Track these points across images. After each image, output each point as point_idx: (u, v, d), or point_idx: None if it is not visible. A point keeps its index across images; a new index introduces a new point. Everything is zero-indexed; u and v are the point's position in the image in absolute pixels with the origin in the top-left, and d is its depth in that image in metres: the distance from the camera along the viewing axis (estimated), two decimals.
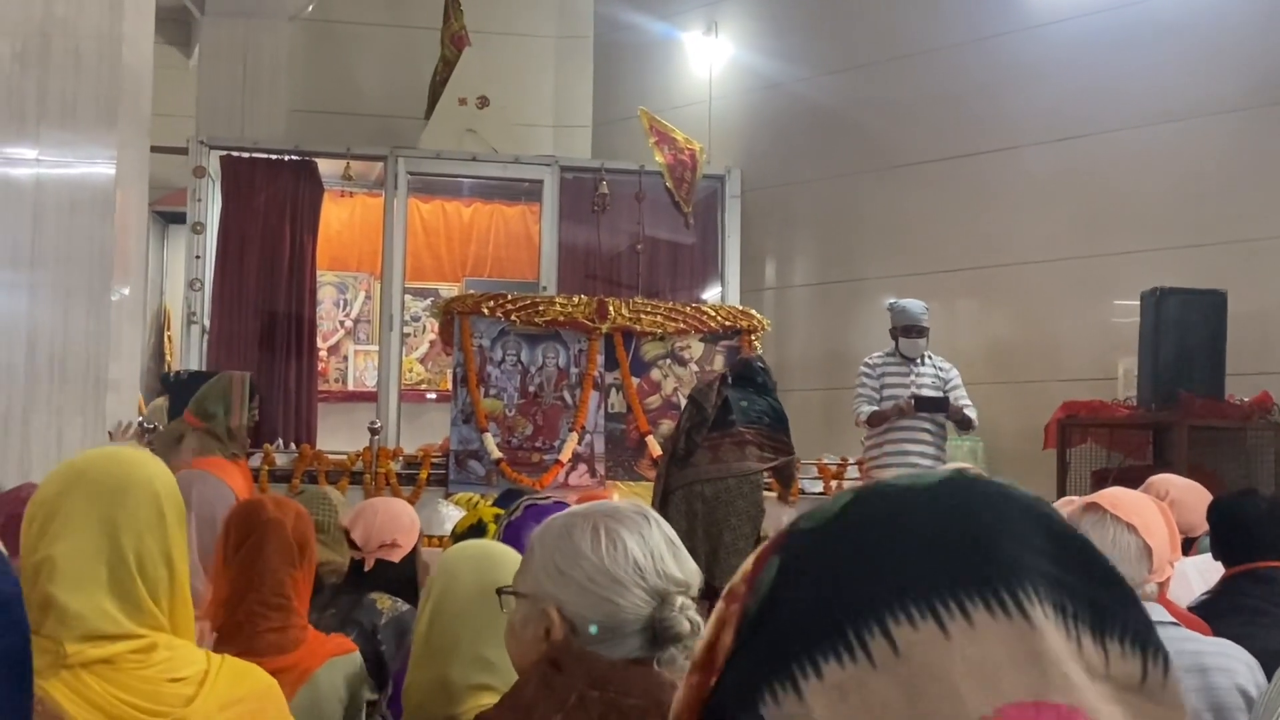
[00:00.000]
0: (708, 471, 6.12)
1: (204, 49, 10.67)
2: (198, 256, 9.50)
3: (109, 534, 1.96)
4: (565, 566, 1.76)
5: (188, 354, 9.48)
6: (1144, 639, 0.66)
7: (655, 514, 1.83)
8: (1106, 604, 0.66)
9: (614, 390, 8.32)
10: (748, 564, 0.72)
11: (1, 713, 0.94)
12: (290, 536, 2.95)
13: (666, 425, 8.30)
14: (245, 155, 9.75)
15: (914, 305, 7.56)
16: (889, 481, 0.70)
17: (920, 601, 0.64)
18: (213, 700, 2.02)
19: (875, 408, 7.44)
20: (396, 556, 3.88)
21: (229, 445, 6.23)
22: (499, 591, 1.97)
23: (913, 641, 0.63)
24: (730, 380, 6.46)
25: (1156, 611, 2.79)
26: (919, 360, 7.54)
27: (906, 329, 7.51)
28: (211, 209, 9.64)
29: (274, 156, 9.84)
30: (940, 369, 7.57)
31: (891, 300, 7.83)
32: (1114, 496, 2.93)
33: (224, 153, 9.69)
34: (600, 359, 8.26)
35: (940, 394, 7.38)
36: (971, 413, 7.42)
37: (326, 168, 10.05)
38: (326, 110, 10.79)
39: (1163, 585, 2.93)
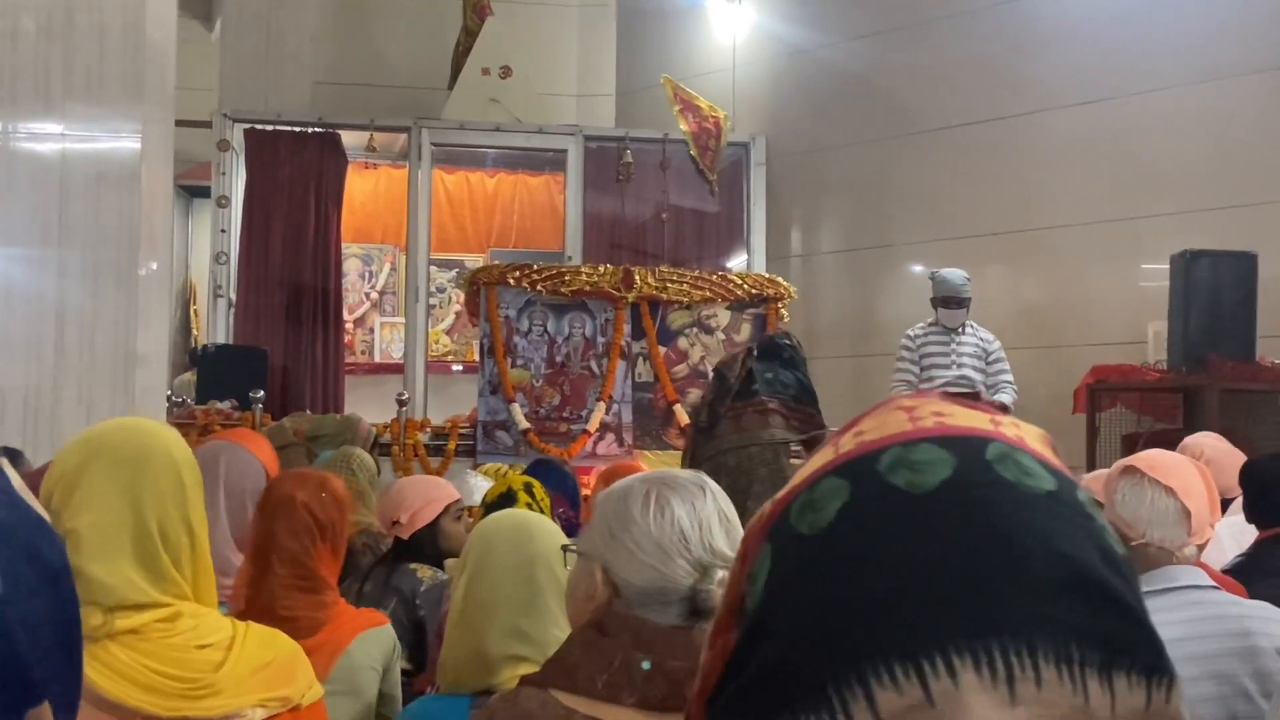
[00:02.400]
0: (731, 441, 6.10)
1: (226, 21, 10.66)
2: (223, 230, 9.51)
3: (132, 504, 1.96)
4: (616, 530, 1.77)
5: (214, 328, 9.50)
6: (1150, 667, 0.64)
7: (714, 485, 1.83)
8: (1116, 636, 0.63)
9: (641, 359, 8.31)
10: (748, 534, 0.70)
11: (59, 689, 0.94)
12: (304, 513, 2.89)
13: (695, 394, 8.29)
14: (269, 128, 9.75)
15: (954, 275, 7.51)
16: (888, 478, 0.66)
17: (907, 660, 0.61)
18: (243, 665, 2.02)
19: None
20: (405, 534, 3.90)
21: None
22: (564, 548, 2.01)
23: (895, 710, 0.61)
24: (756, 354, 6.45)
25: (1196, 575, 2.78)
26: (960, 330, 7.50)
27: (946, 300, 7.47)
28: (236, 182, 9.64)
29: (298, 129, 9.83)
30: (983, 340, 7.53)
31: (932, 271, 7.79)
32: (1151, 459, 2.89)
33: (248, 126, 9.70)
34: (627, 328, 8.25)
35: (971, 389, 7.31)
36: (1006, 395, 7.36)
37: (350, 140, 10.04)
38: (350, 82, 10.76)
39: (1201, 548, 2.90)
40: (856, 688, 0.61)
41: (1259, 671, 2.66)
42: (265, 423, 7.49)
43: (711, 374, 6.73)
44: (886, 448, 0.67)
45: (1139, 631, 0.65)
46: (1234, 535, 4.03)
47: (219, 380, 8.27)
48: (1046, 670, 0.61)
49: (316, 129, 9.86)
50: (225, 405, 7.85)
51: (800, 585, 0.65)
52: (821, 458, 0.70)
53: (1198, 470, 2.95)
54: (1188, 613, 2.69)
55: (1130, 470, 2.86)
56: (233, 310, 9.54)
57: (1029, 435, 0.71)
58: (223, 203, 9.48)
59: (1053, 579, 0.63)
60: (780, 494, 0.70)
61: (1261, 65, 7.63)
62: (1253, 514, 3.83)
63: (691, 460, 6.51)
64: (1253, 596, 3.02)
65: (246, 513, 3.05)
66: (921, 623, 0.61)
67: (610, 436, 8.20)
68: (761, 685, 0.65)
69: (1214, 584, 2.83)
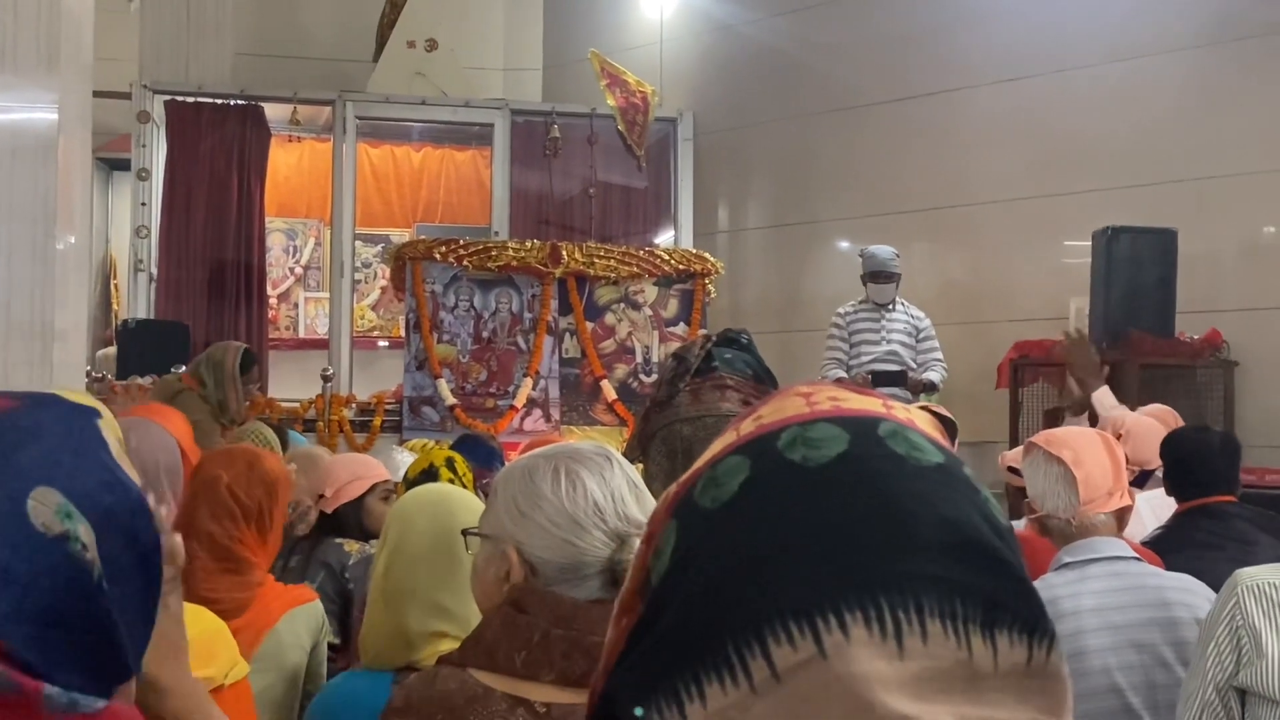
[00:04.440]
0: (686, 412, 6.12)
1: None
2: (143, 203, 9.35)
3: None
4: (526, 508, 1.75)
5: (135, 302, 9.36)
6: (1031, 625, 0.67)
7: (618, 455, 1.82)
8: (999, 595, 0.67)
9: (568, 335, 8.29)
10: (654, 514, 0.74)
11: (140, 616, 0.98)
12: (227, 495, 2.85)
13: (622, 370, 8.28)
14: (190, 100, 9.60)
15: (883, 251, 7.57)
16: (787, 454, 0.69)
17: (801, 617, 0.64)
18: None
19: (841, 372, 7.44)
20: (329, 508, 3.88)
21: (220, 416, 6.14)
22: (464, 533, 1.97)
23: (791, 664, 0.64)
24: (714, 340, 6.47)
25: (1119, 546, 2.88)
26: (890, 307, 7.54)
27: (875, 274, 7.52)
28: (157, 155, 9.49)
29: (219, 101, 9.70)
30: (914, 317, 7.59)
31: (862, 248, 7.84)
32: (1050, 434, 3.03)
33: (168, 97, 9.54)
34: (554, 304, 8.23)
35: (899, 368, 7.36)
36: (935, 373, 7.42)
37: (273, 112, 9.91)
38: (273, 54, 10.61)
39: (1120, 515, 2.97)
40: (754, 645, 0.65)
41: (1177, 640, 2.75)
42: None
43: (669, 358, 6.77)
44: (785, 428, 0.71)
45: (1021, 592, 0.68)
46: (1154, 508, 4.09)
47: (140, 355, 8.14)
48: (932, 625, 0.65)
49: (239, 101, 9.73)
50: (146, 381, 7.72)
51: (702, 554, 0.69)
52: (723, 441, 0.74)
53: (1102, 440, 3.03)
54: (1109, 583, 2.79)
55: (1031, 446, 3.00)
56: (154, 284, 9.39)
57: (919, 419, 0.75)
58: (143, 175, 9.33)
59: (939, 541, 0.67)
60: (684, 476, 0.74)
61: (1181, 43, 7.73)
62: (1172, 486, 3.89)
63: (644, 430, 6.54)
64: (1170, 568, 3.09)
65: (163, 489, 2.99)
66: (815, 583, 0.65)
67: (537, 412, 8.18)
68: (663, 648, 0.68)
69: (1135, 555, 2.91)
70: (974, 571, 0.67)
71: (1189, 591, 2.86)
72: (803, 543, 0.66)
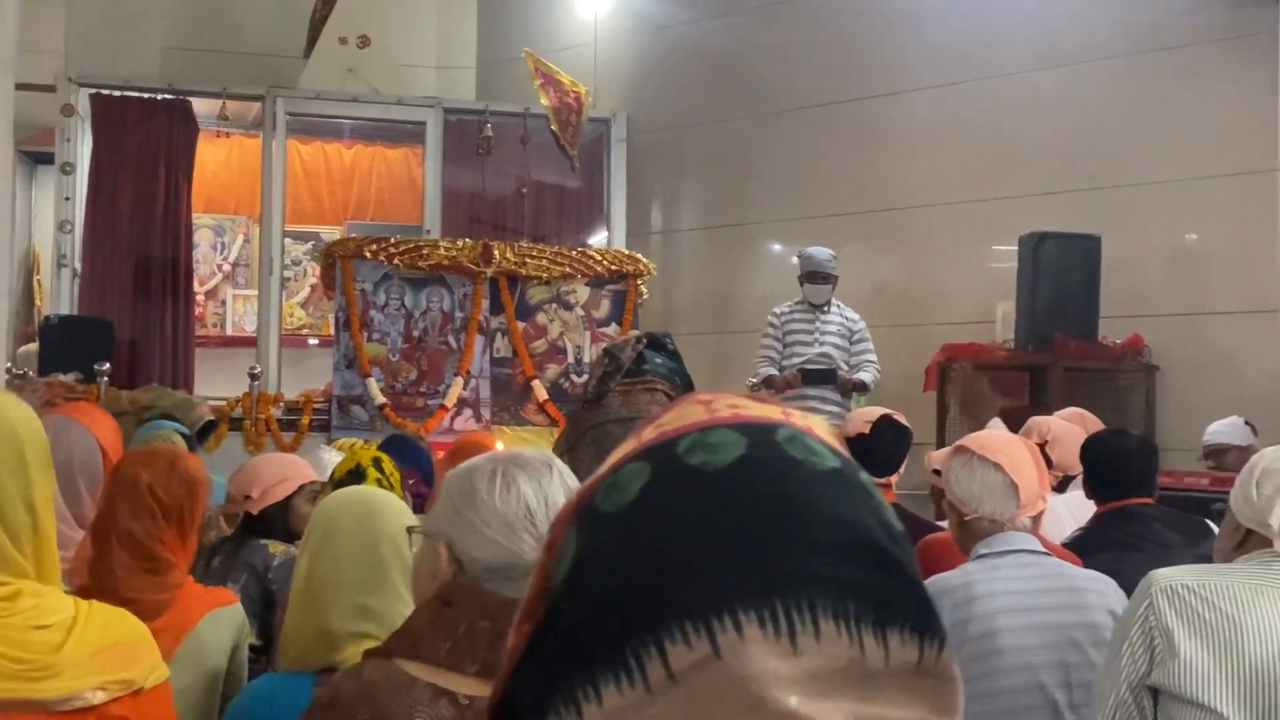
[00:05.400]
0: (617, 413, 6.15)
1: None
2: (67, 198, 9.21)
3: None
4: (462, 507, 1.78)
5: (58, 298, 9.22)
6: (922, 626, 0.69)
7: (562, 465, 1.85)
8: (891, 596, 0.68)
9: (499, 335, 8.26)
10: (557, 521, 0.74)
11: None
12: (147, 494, 2.82)
13: (554, 370, 8.27)
14: (116, 94, 9.47)
15: (820, 252, 7.62)
16: (686, 459, 0.70)
17: (697, 619, 0.65)
18: (84, 646, 1.97)
19: (773, 370, 7.47)
20: (255, 509, 3.84)
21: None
22: (409, 530, 2.02)
23: (686, 665, 0.65)
24: (645, 341, 6.50)
25: (1031, 541, 2.97)
26: (826, 308, 7.58)
27: (811, 275, 7.56)
28: (82, 149, 9.35)
29: (147, 95, 9.57)
30: (849, 319, 7.63)
31: (799, 249, 7.88)
32: (981, 439, 3.09)
33: (94, 91, 9.40)
34: (485, 303, 8.20)
35: (829, 366, 7.40)
36: (868, 374, 7.45)
37: (202, 107, 9.79)
38: (202, 48, 10.48)
39: (1036, 519, 3.06)
40: (651, 646, 0.65)
41: (1089, 624, 2.87)
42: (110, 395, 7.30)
43: (601, 353, 6.78)
44: (685, 434, 0.72)
45: (912, 593, 0.70)
46: (1073, 511, 4.15)
47: (63, 352, 8.03)
48: (825, 625, 0.66)
49: (166, 95, 9.61)
50: (69, 378, 7.61)
51: (601, 558, 0.70)
52: (625, 448, 0.75)
53: (1027, 448, 3.11)
54: (1023, 572, 2.90)
55: (961, 450, 3.05)
56: (78, 280, 9.26)
57: (818, 426, 0.75)
58: (67, 170, 9.19)
59: (833, 543, 0.68)
60: (587, 483, 0.74)
61: (1108, 52, 7.85)
62: (1091, 489, 3.95)
63: (574, 427, 6.55)
64: (1090, 568, 3.16)
65: (77, 488, 2.96)
66: (711, 585, 0.66)
67: (468, 412, 8.15)
68: (561, 651, 0.69)
69: (1045, 550, 3.00)
70: (867, 572, 0.68)
71: (1098, 581, 3.00)
72: (700, 545, 0.67)
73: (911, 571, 0.71)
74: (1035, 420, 4.71)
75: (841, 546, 0.68)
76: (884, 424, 4.24)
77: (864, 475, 0.73)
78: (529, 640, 0.72)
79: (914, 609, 0.69)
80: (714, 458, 0.70)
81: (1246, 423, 6.07)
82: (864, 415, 4.34)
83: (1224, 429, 6.05)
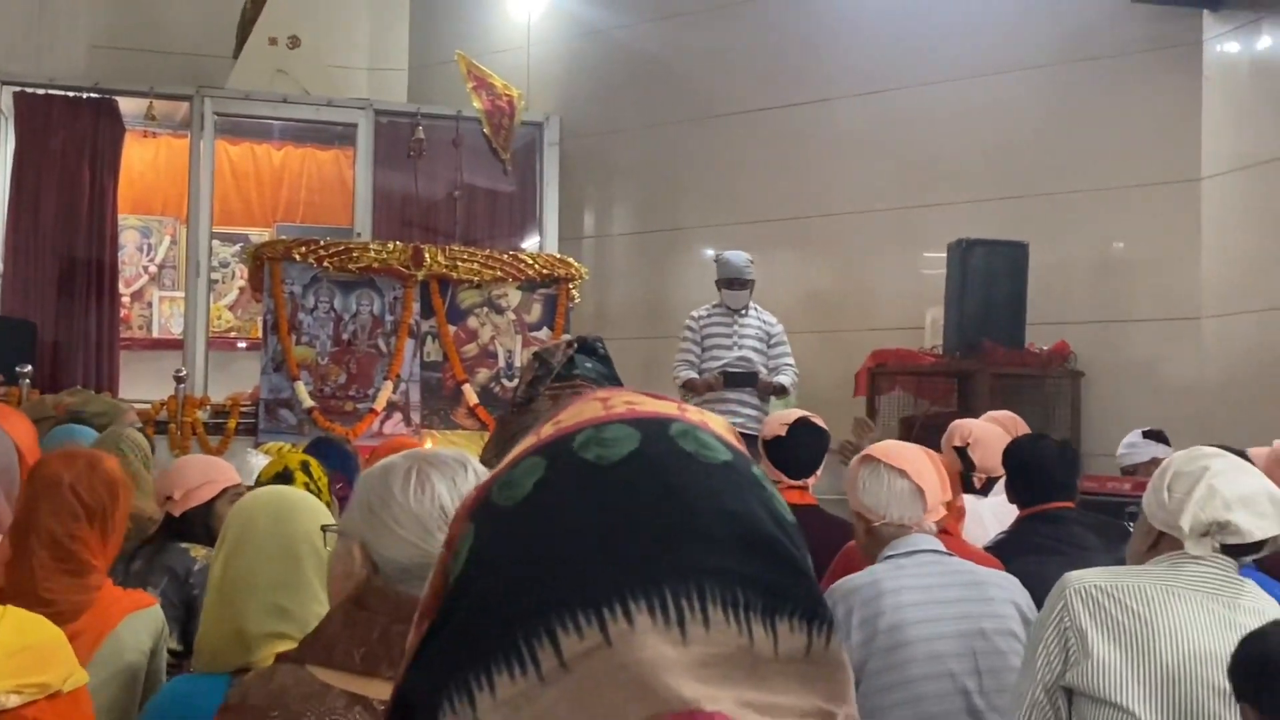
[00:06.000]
0: (547, 416, 6.14)
1: None
2: None
3: None
4: (376, 507, 1.76)
5: None
6: (810, 614, 0.70)
7: (477, 463, 1.83)
8: (780, 585, 0.70)
9: (430, 338, 8.22)
10: (455, 518, 0.75)
11: None
12: (69, 494, 2.80)
13: (484, 374, 8.24)
14: (41, 92, 9.33)
15: (737, 257, 7.61)
16: (581, 454, 0.72)
17: (589, 608, 0.66)
18: None
19: (693, 373, 7.48)
20: (176, 511, 3.79)
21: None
22: (324, 528, 2.00)
23: (578, 653, 0.66)
24: (576, 345, 6.48)
25: (934, 543, 3.08)
26: (744, 312, 7.59)
27: (730, 281, 7.56)
28: (4, 148, 9.22)
29: (72, 94, 9.43)
30: (766, 322, 7.64)
31: (716, 253, 7.89)
32: (886, 448, 3.19)
33: (18, 89, 9.26)
34: (416, 306, 8.15)
35: (750, 369, 7.41)
36: (786, 377, 7.47)
37: (128, 106, 9.66)
38: (129, 47, 10.37)
39: (939, 522, 3.19)
40: (543, 636, 0.66)
41: (993, 614, 2.98)
42: (32, 398, 7.18)
43: (531, 358, 6.76)
44: (581, 429, 0.73)
45: (801, 583, 0.71)
46: (996, 515, 4.19)
47: None
48: (714, 613, 0.67)
49: (92, 95, 9.47)
50: None
51: (496, 551, 0.71)
52: (523, 445, 0.76)
53: (928, 456, 3.22)
54: (929, 569, 3.00)
55: (868, 459, 3.14)
56: (0, 281, 9.11)
57: (713, 421, 0.77)
58: None
59: (723, 534, 0.69)
60: (484, 480, 0.76)
61: (1035, 62, 7.95)
62: (1013, 493, 3.99)
63: (503, 432, 6.52)
64: (1011, 572, 3.22)
65: None
66: (602, 575, 0.67)
67: (398, 415, 8.10)
68: (456, 643, 0.70)
69: (948, 551, 3.11)
70: (756, 562, 0.69)
71: (1001, 576, 3.13)
72: (592, 537, 0.68)
73: (801, 562, 0.72)
74: (957, 423, 4.76)
75: (731, 537, 0.69)
76: (800, 426, 4.27)
77: (756, 468, 0.74)
78: (424, 635, 0.72)
79: (803, 598, 0.70)
80: (608, 452, 0.71)
81: (1145, 433, 6.16)
82: (781, 418, 4.37)
83: (1130, 450, 6.13)
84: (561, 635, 0.66)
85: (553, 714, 0.66)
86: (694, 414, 0.76)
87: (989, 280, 7.27)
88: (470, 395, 8.14)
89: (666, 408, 0.76)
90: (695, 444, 0.72)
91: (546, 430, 0.75)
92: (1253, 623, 2.33)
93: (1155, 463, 5.84)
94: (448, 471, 1.77)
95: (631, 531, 0.68)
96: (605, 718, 0.65)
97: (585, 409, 0.76)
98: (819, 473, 4.34)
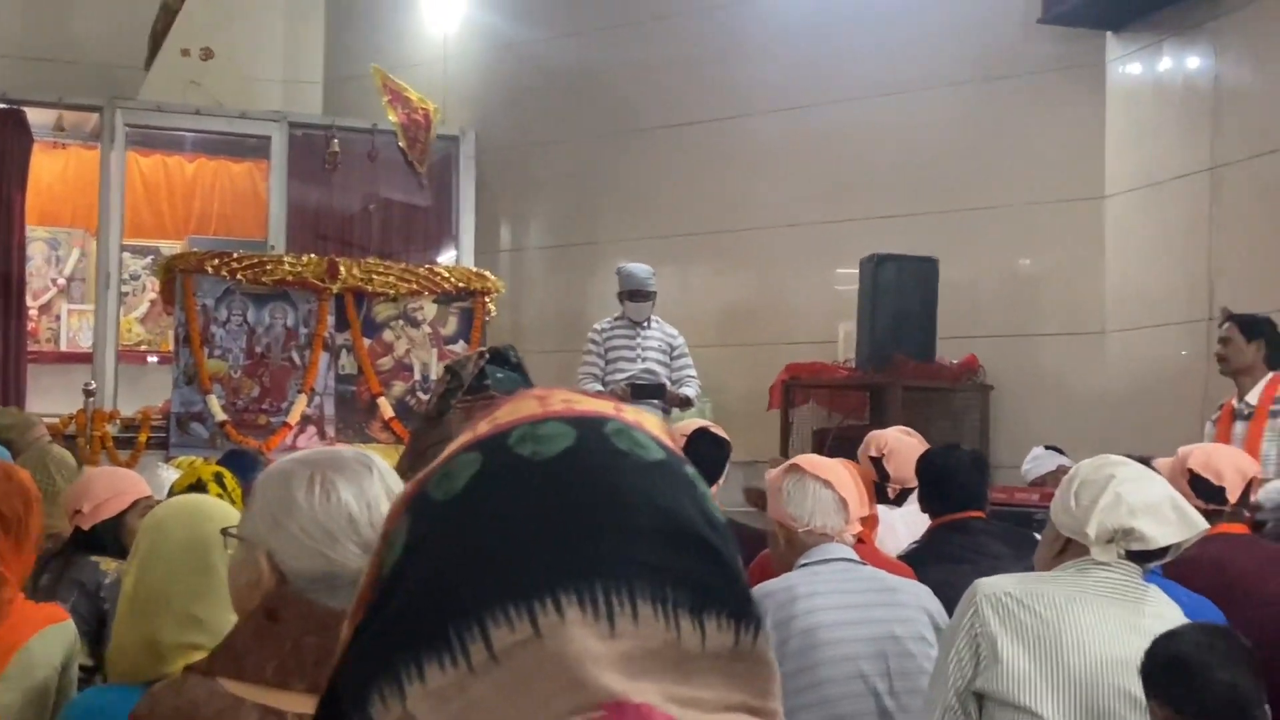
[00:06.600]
0: (459, 430, 6.11)
1: None
2: None
3: None
4: (280, 515, 1.71)
5: None
6: (739, 612, 0.71)
7: (381, 463, 1.78)
8: (709, 583, 0.71)
9: (345, 351, 8.17)
10: (391, 511, 0.76)
11: None
12: None
13: (399, 387, 8.21)
14: None
15: (639, 269, 7.62)
16: (516, 450, 0.72)
17: (520, 602, 0.67)
18: None
19: (598, 386, 7.48)
20: (85, 524, 3.73)
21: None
22: (223, 531, 1.94)
23: (508, 645, 0.67)
24: (488, 357, 6.45)
25: (849, 551, 3.16)
26: (646, 324, 7.60)
27: (633, 293, 7.56)
28: None
29: None
30: (668, 335, 7.66)
31: (619, 265, 7.90)
32: (809, 459, 3.28)
33: None
34: (330, 319, 8.09)
35: (656, 381, 7.42)
36: (691, 389, 7.48)
37: (37, 117, 9.52)
38: (38, 57, 10.20)
39: (858, 533, 3.30)
40: (474, 628, 0.67)
41: (904, 619, 3.05)
42: None
43: (443, 370, 6.72)
44: (517, 426, 0.74)
45: (730, 581, 0.72)
46: (909, 524, 4.25)
47: None
48: (643, 608, 0.68)
49: (0, 105, 9.32)
50: None
51: (430, 544, 0.71)
52: (460, 441, 0.77)
53: (848, 468, 3.33)
54: (843, 575, 3.07)
55: (793, 468, 3.21)
56: None
57: (648, 421, 0.78)
58: None
59: (655, 530, 0.70)
60: (420, 474, 0.76)
61: (946, 81, 8.08)
62: (926, 503, 4.04)
63: (414, 446, 6.47)
64: (925, 580, 3.28)
65: None
66: (534, 568, 0.68)
67: (312, 429, 8.03)
68: (387, 633, 0.70)
69: (862, 560, 3.18)
70: (686, 559, 0.71)
71: (911, 583, 3.22)
72: (525, 531, 0.69)
73: (730, 560, 0.73)
74: (873, 434, 4.81)
75: (662, 534, 0.70)
76: (700, 435, 4.31)
77: (689, 468, 0.76)
78: (357, 626, 0.73)
79: (731, 596, 0.71)
80: (543, 448, 0.72)
81: (1047, 447, 6.28)
82: (681, 428, 4.42)
83: (1034, 464, 6.25)
84: (492, 627, 0.67)
85: (482, 705, 0.67)
86: (630, 413, 0.77)
87: (900, 295, 7.36)
88: (385, 408, 8.09)
89: (603, 406, 0.77)
90: (630, 442, 0.73)
91: (483, 427, 0.76)
92: (1157, 627, 2.38)
93: (1062, 471, 5.95)
94: (352, 476, 1.72)
95: (564, 526, 0.69)
96: (533, 709, 0.66)
97: (522, 406, 0.76)
98: (721, 482, 4.37)
